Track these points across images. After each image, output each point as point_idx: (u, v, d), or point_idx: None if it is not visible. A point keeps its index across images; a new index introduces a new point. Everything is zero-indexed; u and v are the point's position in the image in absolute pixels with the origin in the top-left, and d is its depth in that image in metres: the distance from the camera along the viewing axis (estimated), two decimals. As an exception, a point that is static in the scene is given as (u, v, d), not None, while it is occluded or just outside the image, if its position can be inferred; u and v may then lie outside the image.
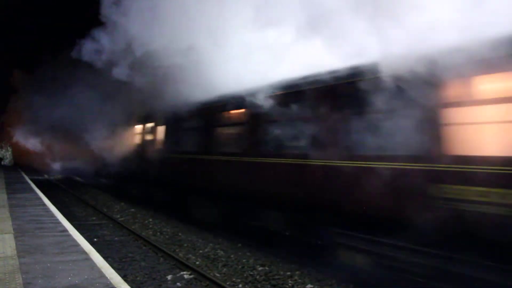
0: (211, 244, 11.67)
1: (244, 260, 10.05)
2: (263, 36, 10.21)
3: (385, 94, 6.94)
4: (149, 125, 17.99)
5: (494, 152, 5.43)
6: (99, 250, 7.80)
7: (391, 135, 6.84)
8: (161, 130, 16.69)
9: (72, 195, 23.35)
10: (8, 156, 40.27)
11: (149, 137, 17.98)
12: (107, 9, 13.24)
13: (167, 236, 12.94)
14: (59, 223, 9.53)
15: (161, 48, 11.87)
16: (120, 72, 13.43)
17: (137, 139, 19.53)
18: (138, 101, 16.13)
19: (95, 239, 12.06)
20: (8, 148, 40.05)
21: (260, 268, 9.41)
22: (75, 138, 26.05)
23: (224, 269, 9.47)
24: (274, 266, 9.59)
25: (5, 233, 8.06)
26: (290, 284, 8.41)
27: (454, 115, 6.06)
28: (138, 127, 19.52)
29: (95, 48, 14.57)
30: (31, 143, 35.98)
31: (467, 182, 5.50)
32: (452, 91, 6.17)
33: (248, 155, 10.54)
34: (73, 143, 28.58)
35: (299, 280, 8.60)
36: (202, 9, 11.09)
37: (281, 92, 9.83)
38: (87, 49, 16.45)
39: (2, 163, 38.28)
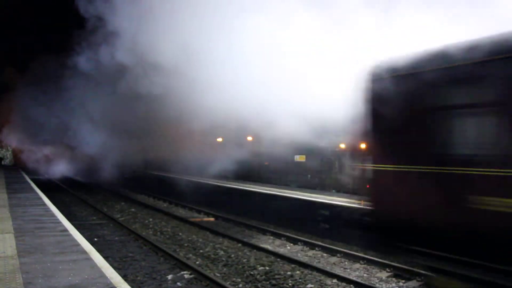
0: (211, 244, 11.68)
1: (244, 260, 10.05)
2: None
3: None
4: None
5: None
6: (99, 250, 7.79)
7: None
8: None
9: (72, 195, 23.37)
10: (8, 156, 40.33)
11: None
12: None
13: (167, 236, 12.95)
14: (59, 222, 9.52)
15: None
16: None
17: None
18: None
19: (95, 239, 12.07)
20: (8, 148, 40.10)
21: (260, 268, 9.41)
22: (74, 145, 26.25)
23: (225, 269, 9.47)
24: (275, 266, 9.59)
25: (6, 233, 8.06)
26: (290, 284, 8.41)
27: None
28: None
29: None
30: (27, 147, 35.75)
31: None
32: None
33: None
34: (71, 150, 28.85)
35: (299, 280, 8.60)
36: None
37: None
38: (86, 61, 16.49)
39: (3, 163, 38.30)
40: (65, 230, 8.71)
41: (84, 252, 6.92)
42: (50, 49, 25.71)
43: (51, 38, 26.21)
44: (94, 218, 16.23)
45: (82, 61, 18.06)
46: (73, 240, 7.81)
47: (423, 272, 8.72)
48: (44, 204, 12.27)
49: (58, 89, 23.74)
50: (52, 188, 25.18)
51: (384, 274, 9.09)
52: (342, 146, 15.60)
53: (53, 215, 10.55)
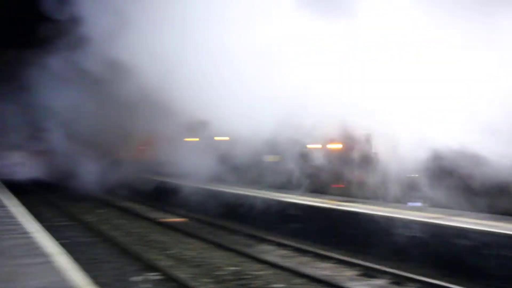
0: (180, 245, 11.63)
1: (213, 260, 10.06)
2: None
3: None
4: None
5: None
6: (65, 252, 7.66)
7: None
8: None
9: (40, 196, 22.78)
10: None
11: None
12: None
13: (137, 237, 12.81)
14: (23, 224, 9.30)
15: None
16: None
17: None
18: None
19: (62, 241, 11.79)
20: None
21: (229, 268, 9.43)
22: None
23: (193, 270, 9.45)
24: (243, 266, 9.63)
25: (-35, 236, 7.82)
26: (259, 284, 8.47)
27: None
28: None
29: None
30: None
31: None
32: None
33: None
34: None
35: (268, 280, 8.67)
36: None
37: None
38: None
39: None
40: (29, 232, 8.52)
41: (48, 254, 6.79)
42: (14, 45, 24.87)
43: (16, 32, 25.38)
44: (62, 219, 15.87)
45: (52, 60, 17.56)
46: (37, 242, 7.65)
47: (391, 271, 8.87)
48: (5, 206, 11.94)
49: (25, 88, 23.00)
50: (20, 189, 24.44)
51: (353, 273, 9.23)
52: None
53: (15, 216, 10.29)
